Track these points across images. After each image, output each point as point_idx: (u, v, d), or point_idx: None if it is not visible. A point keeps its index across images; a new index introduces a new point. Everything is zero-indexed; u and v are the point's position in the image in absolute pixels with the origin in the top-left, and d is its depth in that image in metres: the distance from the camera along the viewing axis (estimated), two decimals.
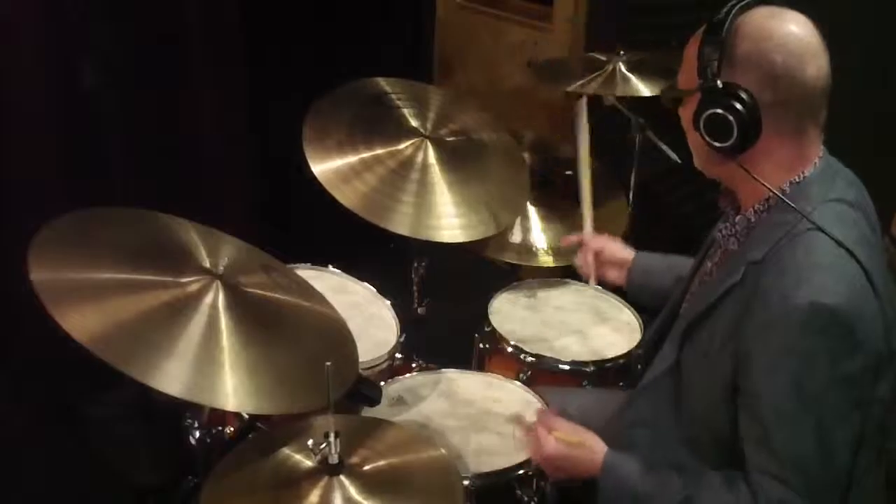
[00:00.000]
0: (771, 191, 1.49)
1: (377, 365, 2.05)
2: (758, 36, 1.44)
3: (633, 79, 2.65)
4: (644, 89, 2.60)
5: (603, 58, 2.76)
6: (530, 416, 1.88)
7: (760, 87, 1.44)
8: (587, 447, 1.62)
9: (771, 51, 1.43)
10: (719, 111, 1.45)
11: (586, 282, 2.19)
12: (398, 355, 2.13)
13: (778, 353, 1.41)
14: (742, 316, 1.46)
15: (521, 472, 1.78)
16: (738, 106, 1.43)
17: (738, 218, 1.57)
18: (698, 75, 1.47)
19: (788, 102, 1.45)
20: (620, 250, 2.11)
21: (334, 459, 1.46)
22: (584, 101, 2.22)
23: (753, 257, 1.48)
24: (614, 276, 2.11)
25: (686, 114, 1.54)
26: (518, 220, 2.47)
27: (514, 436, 1.86)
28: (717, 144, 1.48)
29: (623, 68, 2.69)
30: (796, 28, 1.45)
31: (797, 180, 1.50)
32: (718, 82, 1.44)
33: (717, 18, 1.45)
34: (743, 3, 1.46)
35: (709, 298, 1.54)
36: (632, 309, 2.33)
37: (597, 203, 2.59)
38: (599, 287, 2.39)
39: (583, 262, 2.14)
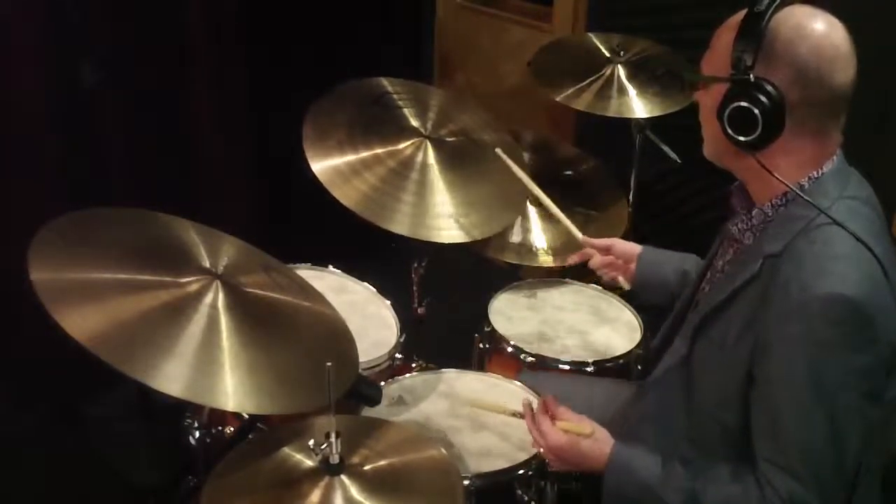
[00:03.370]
0: (789, 188, 1.48)
1: (377, 365, 2.05)
2: (795, 35, 1.43)
3: (630, 88, 2.65)
4: (640, 107, 2.61)
5: (605, 52, 2.76)
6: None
7: (789, 85, 1.43)
8: (595, 438, 1.62)
9: (806, 52, 1.42)
10: (746, 105, 1.43)
11: (614, 287, 2.20)
12: (398, 355, 2.13)
13: (796, 342, 1.41)
14: (760, 308, 1.46)
15: (521, 472, 1.78)
16: (766, 102, 1.42)
17: (754, 212, 1.57)
18: (731, 66, 1.45)
19: (814, 104, 1.45)
20: (626, 244, 2.11)
21: (335, 459, 1.46)
22: (499, 152, 2.26)
23: (771, 250, 1.48)
24: (622, 272, 2.10)
25: (708, 101, 1.52)
26: (518, 220, 2.47)
27: (513, 416, 1.81)
28: (738, 138, 1.46)
29: (622, 74, 2.68)
30: (832, 32, 1.44)
31: (815, 176, 1.49)
32: (751, 76, 1.43)
33: (758, 10, 1.43)
34: None
35: (724, 292, 1.54)
36: (632, 309, 2.33)
37: (597, 204, 2.60)
38: (600, 287, 2.39)
39: (600, 266, 2.14)
